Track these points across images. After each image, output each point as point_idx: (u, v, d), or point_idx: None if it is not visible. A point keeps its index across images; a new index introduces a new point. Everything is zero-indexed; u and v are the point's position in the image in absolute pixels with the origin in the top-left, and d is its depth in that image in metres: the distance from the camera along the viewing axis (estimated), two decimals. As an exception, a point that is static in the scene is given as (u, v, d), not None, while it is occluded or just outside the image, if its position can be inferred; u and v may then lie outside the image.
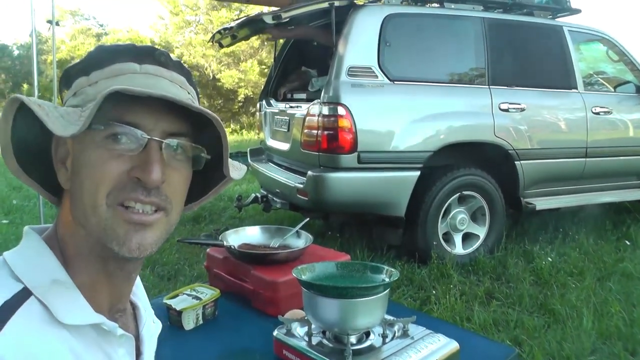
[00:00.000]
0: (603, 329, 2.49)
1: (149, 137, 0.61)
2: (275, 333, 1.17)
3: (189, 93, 0.68)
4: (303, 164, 3.47)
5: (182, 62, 0.70)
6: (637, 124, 4.21)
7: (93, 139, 0.60)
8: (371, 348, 1.09)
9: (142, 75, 0.63)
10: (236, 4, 15.95)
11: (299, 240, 1.63)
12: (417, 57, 3.50)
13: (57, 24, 4.70)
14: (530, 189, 3.81)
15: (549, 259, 3.49)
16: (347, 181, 3.17)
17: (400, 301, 2.83)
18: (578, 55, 4.10)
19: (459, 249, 3.56)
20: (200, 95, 0.75)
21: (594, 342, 2.37)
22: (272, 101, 4.31)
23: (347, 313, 1.05)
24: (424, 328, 1.16)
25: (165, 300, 1.35)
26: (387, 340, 1.12)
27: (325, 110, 3.13)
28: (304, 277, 1.12)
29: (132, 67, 0.63)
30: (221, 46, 4.39)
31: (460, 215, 3.55)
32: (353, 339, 1.10)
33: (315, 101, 3.26)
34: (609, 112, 4.05)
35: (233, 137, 14.84)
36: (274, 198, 3.88)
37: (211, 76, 17.70)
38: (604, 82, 4.51)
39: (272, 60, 4.92)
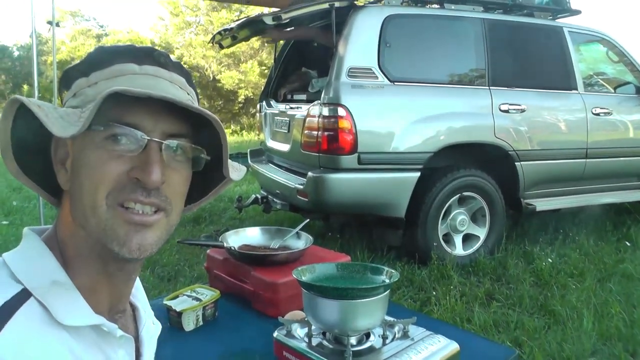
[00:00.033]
0: (603, 330, 2.49)
1: (148, 138, 0.61)
2: (275, 334, 1.16)
3: (188, 94, 0.68)
4: (303, 165, 3.47)
5: (181, 63, 0.70)
6: (637, 125, 4.21)
7: (93, 139, 0.60)
8: (371, 349, 1.09)
9: (141, 76, 0.63)
10: (236, 5, 15.98)
11: (299, 242, 1.63)
12: (418, 58, 3.50)
13: (57, 25, 4.70)
14: (531, 190, 3.81)
15: (549, 260, 3.49)
16: (347, 182, 3.17)
17: (401, 302, 2.83)
18: (578, 56, 4.10)
19: (459, 250, 3.56)
20: (200, 96, 0.75)
21: (594, 343, 2.37)
22: (272, 102, 4.31)
23: (347, 314, 1.05)
24: (424, 329, 1.16)
25: (165, 302, 1.35)
26: (388, 341, 1.12)
27: (326, 111, 3.13)
28: (304, 278, 1.12)
29: (131, 68, 0.63)
30: (221, 47, 4.40)
31: (460, 216, 3.55)
32: (353, 340, 1.10)
33: (316, 102, 3.26)
34: (609, 113, 4.05)
35: (233, 138, 14.85)
36: (274, 199, 3.88)
37: (211, 77, 17.72)
38: (604, 83, 4.51)
39: (272, 61, 4.92)
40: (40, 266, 0.61)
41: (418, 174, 3.28)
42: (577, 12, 4.26)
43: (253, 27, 3.75)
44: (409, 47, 3.44)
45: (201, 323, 1.35)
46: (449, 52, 3.62)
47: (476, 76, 3.62)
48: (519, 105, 3.63)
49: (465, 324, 2.58)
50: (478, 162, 3.59)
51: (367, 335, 1.14)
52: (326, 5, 3.28)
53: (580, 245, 3.83)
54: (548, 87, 3.88)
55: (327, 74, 3.23)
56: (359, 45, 3.25)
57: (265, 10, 6.18)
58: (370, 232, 3.77)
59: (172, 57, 0.68)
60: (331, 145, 3.12)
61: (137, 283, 0.79)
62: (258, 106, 4.67)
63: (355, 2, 3.40)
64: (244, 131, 16.75)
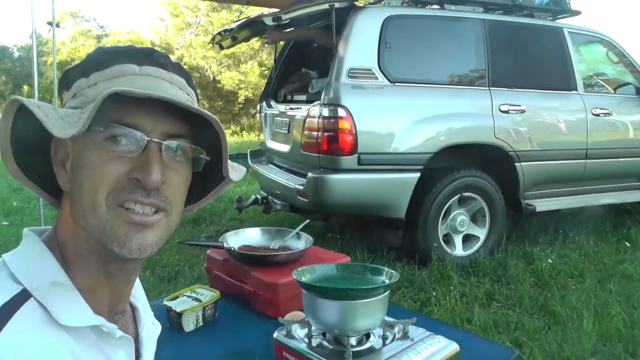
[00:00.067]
0: (603, 331, 2.49)
1: (148, 138, 0.61)
2: (275, 335, 1.16)
3: (188, 94, 0.68)
4: (303, 166, 3.47)
5: (181, 63, 0.70)
6: (637, 126, 4.21)
7: (92, 140, 0.60)
8: (371, 350, 1.09)
9: (141, 76, 0.63)
10: (236, 6, 15.98)
11: (299, 242, 1.63)
12: (418, 59, 3.50)
13: (58, 25, 4.70)
14: (531, 190, 3.81)
15: (549, 260, 3.49)
16: (347, 183, 3.17)
17: (401, 303, 2.83)
18: (578, 57, 4.10)
19: (459, 250, 3.56)
20: (200, 97, 0.75)
21: (594, 344, 2.37)
22: (273, 103, 4.31)
23: (347, 315, 1.05)
24: (424, 330, 1.16)
25: (165, 302, 1.35)
26: (387, 342, 1.12)
27: (326, 112, 3.13)
28: (304, 279, 1.12)
29: (131, 69, 0.63)
30: (221, 48, 4.40)
31: (460, 216, 3.55)
32: (353, 341, 1.10)
33: (316, 103, 3.26)
34: (609, 113, 4.05)
35: (233, 138, 14.85)
36: (274, 200, 3.88)
37: (211, 78, 17.72)
38: (604, 84, 4.51)
39: (273, 61, 4.92)
40: (40, 267, 0.61)
41: (418, 174, 3.28)
42: (577, 13, 4.26)
43: (253, 27, 3.75)
44: (409, 48, 3.45)
45: (201, 324, 1.35)
46: (449, 53, 3.62)
47: (476, 77, 3.62)
48: (519, 105, 3.63)
49: (465, 325, 2.58)
50: (478, 163, 3.59)
51: (367, 336, 1.14)
52: (326, 6, 3.28)
53: (580, 246, 3.83)
54: (548, 88, 3.88)
55: (327, 75, 3.23)
56: (359, 46, 3.25)
57: (265, 10, 6.18)
58: (370, 233, 3.77)
59: (172, 57, 0.69)
60: (331, 145, 3.12)
61: (137, 284, 0.79)
62: (258, 107, 4.67)
63: (355, 3, 3.40)
64: (244, 132, 16.76)
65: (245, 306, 1.45)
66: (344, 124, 3.08)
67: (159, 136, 0.62)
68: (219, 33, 4.14)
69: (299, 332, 1.16)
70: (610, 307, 2.72)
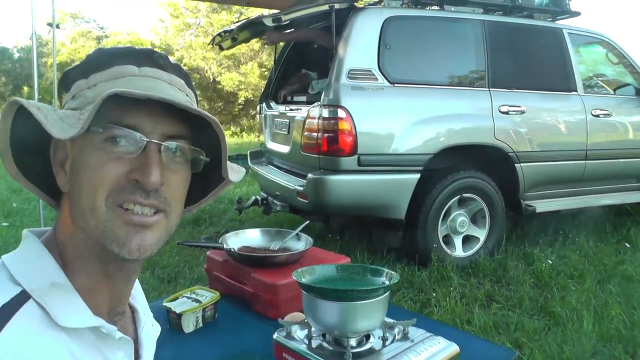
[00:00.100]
0: (603, 332, 2.49)
1: (147, 139, 0.61)
2: (275, 336, 1.16)
3: (187, 95, 0.68)
4: (303, 167, 3.47)
5: (181, 64, 0.70)
6: (637, 127, 4.21)
7: (92, 141, 0.60)
8: (371, 351, 1.09)
9: (141, 77, 0.63)
10: (236, 7, 15.99)
11: (299, 243, 1.63)
12: (417, 60, 3.50)
13: (58, 26, 4.70)
14: (530, 191, 3.81)
15: (549, 261, 3.49)
16: (347, 184, 3.17)
17: (401, 304, 2.83)
18: (578, 58, 4.11)
19: (459, 251, 3.56)
20: (200, 98, 0.75)
21: (594, 345, 2.37)
22: (272, 104, 4.31)
23: (347, 316, 1.05)
24: (424, 331, 1.16)
25: (165, 303, 1.35)
26: (387, 343, 1.12)
27: (326, 113, 3.13)
28: (304, 280, 1.12)
29: (131, 70, 0.63)
30: (221, 49, 4.40)
31: (460, 217, 3.54)
32: (353, 342, 1.09)
33: (316, 104, 3.26)
34: (608, 114, 4.05)
35: (233, 139, 14.85)
36: (274, 201, 3.88)
37: (211, 79, 17.72)
38: (604, 85, 4.51)
39: (273, 62, 4.92)
40: (39, 268, 0.61)
41: (418, 175, 3.29)
42: (577, 14, 4.26)
43: (253, 28, 3.76)
44: (408, 49, 3.45)
45: (201, 325, 1.35)
46: (449, 54, 3.62)
47: (476, 78, 3.62)
48: (519, 106, 3.63)
49: (465, 326, 2.58)
50: (478, 164, 3.59)
51: (367, 337, 1.14)
52: (326, 7, 3.29)
53: (580, 247, 3.83)
54: (548, 89, 3.88)
55: (327, 76, 3.24)
56: (359, 47, 3.26)
57: (266, 11, 6.19)
58: (370, 234, 3.77)
59: (172, 58, 0.68)
60: (331, 146, 3.12)
61: (137, 285, 0.79)
62: (258, 108, 4.67)
63: (355, 4, 3.41)
64: (244, 133, 16.75)
65: (245, 307, 1.45)
66: (344, 125, 3.08)
67: (159, 137, 0.62)
68: (219, 34, 4.14)
69: (299, 333, 1.16)
70: (610, 308, 2.72)
